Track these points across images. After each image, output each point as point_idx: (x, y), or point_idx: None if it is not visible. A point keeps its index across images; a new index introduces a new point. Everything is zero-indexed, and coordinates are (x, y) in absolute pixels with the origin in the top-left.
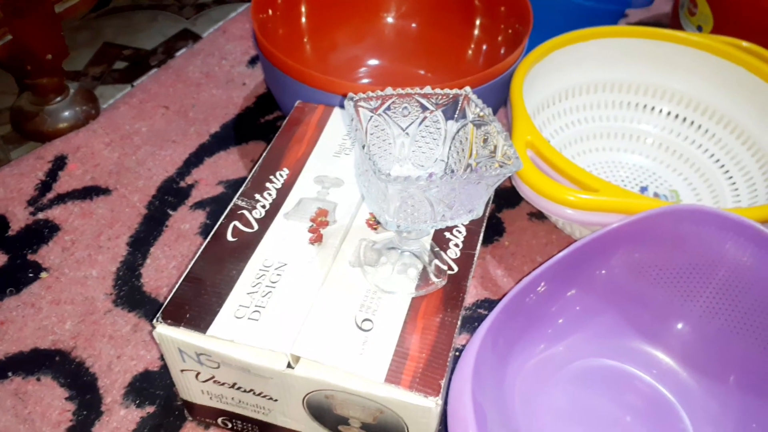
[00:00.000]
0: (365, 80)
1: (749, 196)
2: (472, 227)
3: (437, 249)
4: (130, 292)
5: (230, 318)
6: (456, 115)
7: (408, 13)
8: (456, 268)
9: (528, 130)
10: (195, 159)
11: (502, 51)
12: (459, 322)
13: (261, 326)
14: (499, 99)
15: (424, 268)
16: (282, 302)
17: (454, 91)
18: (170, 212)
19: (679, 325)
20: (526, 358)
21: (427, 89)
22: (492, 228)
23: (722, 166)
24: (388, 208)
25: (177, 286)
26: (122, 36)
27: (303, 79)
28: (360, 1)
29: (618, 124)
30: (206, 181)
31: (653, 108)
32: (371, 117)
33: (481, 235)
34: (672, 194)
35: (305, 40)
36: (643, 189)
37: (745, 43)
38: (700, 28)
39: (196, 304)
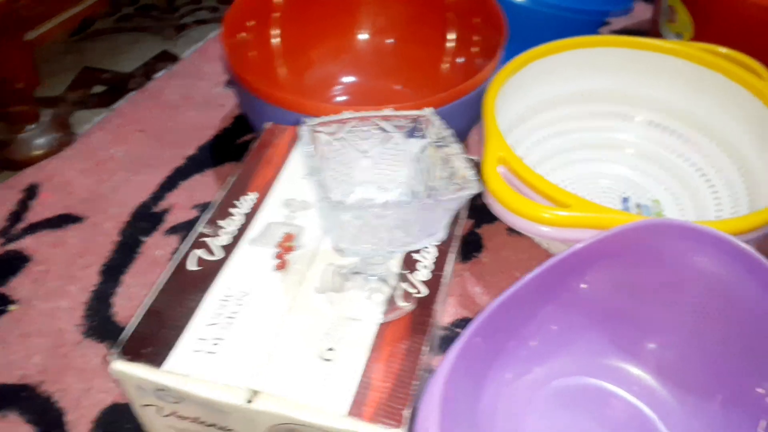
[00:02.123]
0: (341, 98)
1: (731, 205)
2: (443, 247)
3: (406, 271)
4: (101, 323)
5: (188, 352)
6: (418, 137)
7: (383, 30)
8: (425, 291)
9: (499, 146)
10: (170, 183)
11: (479, 62)
12: (427, 347)
13: (220, 360)
14: (476, 113)
15: (392, 293)
16: (243, 334)
17: (415, 112)
18: (144, 239)
19: (660, 342)
20: (502, 380)
21: (387, 111)
22: (471, 244)
23: (703, 174)
24: (344, 236)
25: (135, 320)
26: (103, 59)
27: (273, 100)
28: (334, 19)
29: (598, 134)
30: (181, 205)
31: (633, 117)
32: (330, 141)
33: (451, 255)
34: (654, 204)
35: (279, 60)
36: (625, 200)
37: (722, 49)
38: (680, 36)
39: (154, 338)
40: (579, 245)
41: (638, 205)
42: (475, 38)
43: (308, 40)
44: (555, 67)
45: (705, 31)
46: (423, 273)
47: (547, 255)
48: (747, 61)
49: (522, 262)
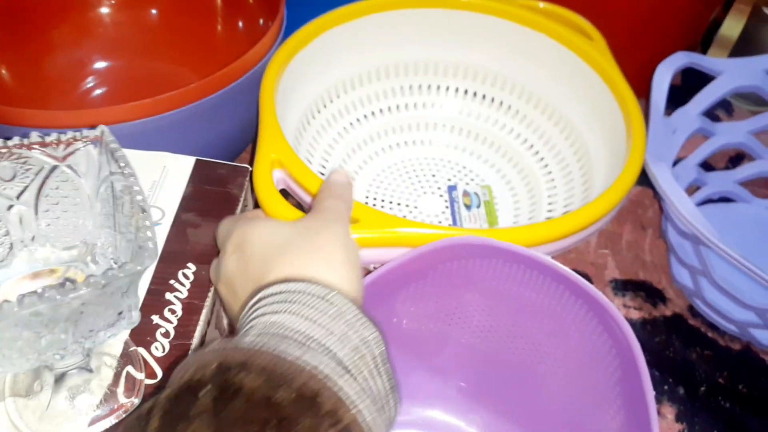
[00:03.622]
0: (98, 90)
1: (565, 187)
2: (193, 301)
3: (133, 348)
4: None
5: None
6: (93, 168)
7: None
8: (160, 374)
9: (274, 144)
10: None
11: (262, 23)
12: None
13: None
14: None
15: (109, 386)
16: None
17: (82, 132)
18: None
19: (484, 379)
20: None
21: (35, 137)
22: None
23: (537, 153)
24: None
25: None
26: None
27: None
28: None
29: (418, 113)
30: None
31: (450, 88)
32: None
33: (207, 312)
34: (484, 191)
35: None
36: (451, 188)
37: (541, 4)
38: None
39: None
40: (381, 270)
41: (466, 193)
42: None
43: (39, 26)
44: (354, 36)
45: None
46: (161, 343)
47: None
48: (574, 19)
49: None
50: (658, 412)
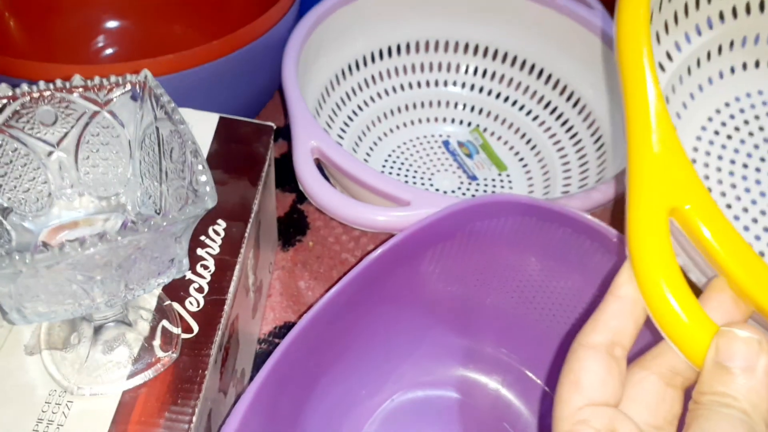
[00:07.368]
0: (108, 51)
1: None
2: (225, 257)
3: (168, 303)
4: None
5: None
6: (135, 115)
7: None
8: (196, 328)
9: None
10: None
11: None
12: (196, 414)
13: None
14: (278, 61)
15: (145, 339)
16: None
17: (125, 77)
18: None
19: (510, 338)
20: (331, 403)
21: (77, 79)
22: (293, 225)
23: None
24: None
25: None
26: None
27: None
28: None
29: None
30: None
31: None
32: None
33: (239, 268)
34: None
35: (5, 14)
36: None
37: None
38: None
39: None
40: (406, 232)
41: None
42: None
43: None
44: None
45: None
46: (196, 299)
47: (381, 235)
48: None
49: (353, 241)
50: None
